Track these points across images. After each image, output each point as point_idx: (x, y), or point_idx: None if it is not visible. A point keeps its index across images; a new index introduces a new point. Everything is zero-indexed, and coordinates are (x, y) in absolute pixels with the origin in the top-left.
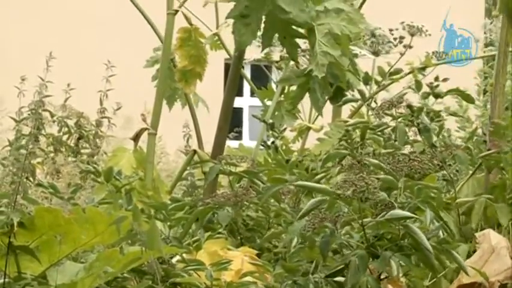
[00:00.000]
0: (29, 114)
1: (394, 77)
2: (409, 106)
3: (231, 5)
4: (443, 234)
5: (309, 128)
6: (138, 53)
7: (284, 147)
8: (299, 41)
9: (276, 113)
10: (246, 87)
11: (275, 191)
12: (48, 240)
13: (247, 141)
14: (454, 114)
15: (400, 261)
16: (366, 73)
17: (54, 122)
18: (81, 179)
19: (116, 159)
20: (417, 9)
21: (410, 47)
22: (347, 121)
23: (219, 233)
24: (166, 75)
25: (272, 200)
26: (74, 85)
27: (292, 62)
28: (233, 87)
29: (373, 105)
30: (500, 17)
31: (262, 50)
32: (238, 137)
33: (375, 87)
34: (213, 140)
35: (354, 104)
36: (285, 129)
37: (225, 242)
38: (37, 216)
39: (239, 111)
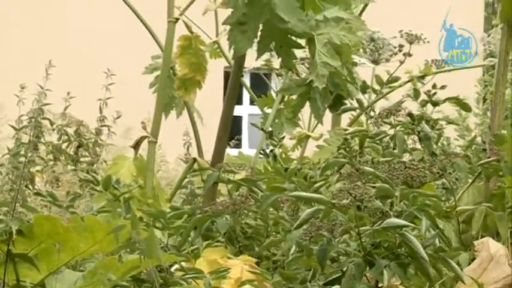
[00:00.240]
0: (28, 122)
1: (393, 85)
2: (410, 114)
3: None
4: (440, 242)
5: (308, 136)
6: (138, 61)
7: (283, 155)
8: (298, 49)
9: (276, 120)
10: (246, 96)
11: (274, 199)
12: (47, 248)
13: (247, 149)
14: (452, 122)
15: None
16: (364, 82)
17: (53, 130)
18: (80, 188)
19: (116, 167)
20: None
21: (409, 55)
22: (346, 129)
23: (218, 241)
24: (166, 83)
25: (271, 208)
26: (73, 93)
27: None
28: (233, 96)
29: (371, 113)
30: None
31: (257, 57)
32: (238, 145)
33: (374, 96)
34: (212, 148)
35: (353, 112)
36: (283, 137)
37: (225, 250)
38: (36, 224)
39: (238, 119)
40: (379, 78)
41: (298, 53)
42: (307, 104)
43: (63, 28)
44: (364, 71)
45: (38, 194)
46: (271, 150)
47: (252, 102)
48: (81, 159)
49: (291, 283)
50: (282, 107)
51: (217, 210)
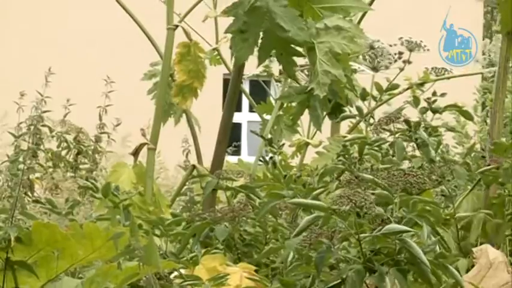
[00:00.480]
0: (27, 129)
1: (392, 92)
2: (407, 121)
3: (231, 20)
4: (440, 248)
5: (307, 144)
6: (138, 69)
7: (283, 162)
8: (304, 55)
9: (275, 127)
10: (245, 103)
11: (272, 206)
12: (46, 255)
13: (246, 156)
14: (452, 129)
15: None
16: (364, 89)
17: (53, 137)
18: (79, 195)
19: (116, 174)
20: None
21: (409, 62)
22: (345, 136)
23: (217, 248)
24: (166, 90)
25: (269, 215)
26: (73, 100)
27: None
28: (232, 103)
29: (371, 121)
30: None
31: (258, 65)
32: (237, 152)
33: (373, 103)
34: (212, 155)
35: (352, 119)
36: (283, 144)
37: (223, 257)
38: (35, 231)
39: (238, 126)
40: (379, 85)
41: (298, 60)
42: (307, 111)
43: (63, 35)
44: (364, 78)
45: (37, 201)
46: (271, 157)
47: (251, 109)
48: (81, 167)
49: None
50: (281, 113)
51: (216, 218)
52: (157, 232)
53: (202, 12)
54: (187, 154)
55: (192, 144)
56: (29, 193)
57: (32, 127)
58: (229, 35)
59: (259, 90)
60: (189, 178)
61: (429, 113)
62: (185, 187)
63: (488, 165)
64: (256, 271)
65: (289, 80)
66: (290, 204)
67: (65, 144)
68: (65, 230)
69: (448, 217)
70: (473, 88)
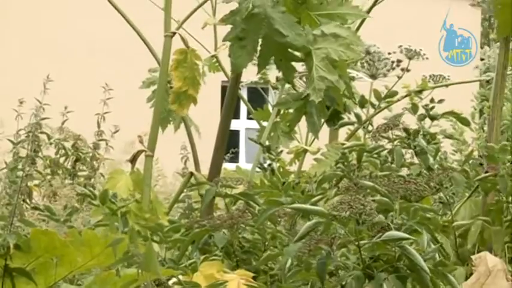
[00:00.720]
0: (26, 136)
1: (390, 99)
2: (405, 129)
3: (230, 26)
4: (439, 256)
5: (305, 151)
6: (137, 75)
7: (281, 169)
8: (296, 63)
9: (272, 134)
10: (243, 110)
11: (271, 213)
12: (45, 262)
13: (244, 163)
14: (450, 136)
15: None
16: (362, 96)
17: (51, 144)
18: (77, 202)
19: (113, 181)
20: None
21: (408, 70)
22: (344, 143)
23: (215, 255)
24: (164, 97)
25: (268, 222)
26: (71, 108)
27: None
28: (230, 109)
29: (369, 128)
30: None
31: (258, 72)
32: (235, 159)
33: (372, 110)
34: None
35: (350, 126)
36: (281, 151)
37: (221, 264)
38: (33, 238)
39: (236, 133)
40: (377, 92)
41: (296, 67)
42: (305, 118)
43: (61, 42)
44: (362, 85)
45: (35, 208)
46: (269, 164)
47: (249, 116)
48: (79, 174)
49: None
50: (278, 120)
51: (215, 225)
52: (155, 239)
53: (202, 19)
54: (185, 161)
55: (190, 152)
56: (28, 200)
57: (31, 134)
58: (228, 43)
59: (257, 97)
60: (186, 185)
61: (427, 120)
62: (183, 194)
63: (486, 172)
64: (255, 278)
65: (286, 86)
66: (289, 210)
67: (63, 151)
68: (63, 237)
69: (446, 224)
70: (471, 95)
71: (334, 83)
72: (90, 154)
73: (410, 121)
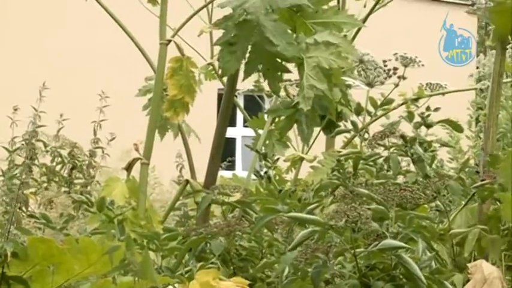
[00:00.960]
0: (22, 144)
1: (387, 107)
2: (403, 136)
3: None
4: (436, 264)
5: (302, 159)
6: (133, 83)
7: (277, 177)
8: (291, 71)
9: (267, 142)
10: (239, 118)
11: (268, 221)
12: (42, 270)
13: (240, 171)
14: (446, 144)
15: None
16: (358, 104)
17: (47, 152)
18: (74, 209)
19: (108, 189)
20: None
21: (404, 78)
22: (340, 151)
23: (212, 262)
24: (159, 105)
25: (265, 230)
26: (67, 115)
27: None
28: (225, 117)
29: (365, 135)
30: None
31: (244, 79)
32: (231, 167)
33: (368, 118)
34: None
35: (347, 134)
36: (277, 159)
37: (217, 272)
38: (30, 246)
39: (232, 141)
40: (373, 100)
41: (293, 75)
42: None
43: (57, 50)
44: (359, 92)
45: (31, 216)
46: (265, 172)
47: (245, 124)
48: (75, 181)
49: None
50: (273, 128)
51: (211, 232)
52: (152, 247)
53: (198, 26)
54: (181, 169)
55: (186, 159)
56: (24, 208)
57: (27, 142)
58: None
59: (253, 105)
60: (182, 193)
61: (423, 128)
62: (179, 202)
63: (483, 180)
64: (251, 286)
65: (282, 94)
66: (286, 218)
67: (60, 159)
68: (60, 244)
69: (442, 232)
70: (468, 103)
71: (324, 91)
72: (87, 162)
73: (406, 129)
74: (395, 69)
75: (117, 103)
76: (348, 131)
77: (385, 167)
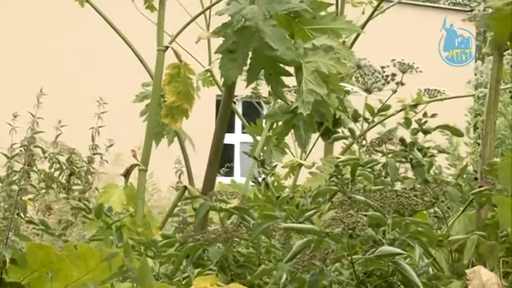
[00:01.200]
0: (20, 150)
1: (384, 113)
2: (402, 140)
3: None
4: (433, 270)
5: (300, 165)
6: (130, 90)
7: (276, 183)
8: (289, 78)
9: (265, 148)
10: (238, 124)
11: (265, 228)
12: (40, 276)
13: (239, 177)
14: (444, 151)
15: None
16: (355, 110)
17: (45, 158)
18: (72, 216)
19: (106, 195)
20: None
21: (402, 84)
22: (338, 158)
23: (210, 269)
24: (157, 111)
25: (263, 237)
26: (66, 122)
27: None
28: (223, 123)
29: (363, 142)
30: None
31: (247, 85)
32: (230, 173)
33: (366, 125)
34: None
35: (346, 141)
36: (275, 165)
37: (215, 278)
38: (29, 252)
39: (230, 147)
40: (370, 107)
41: (291, 81)
42: (293, 132)
43: (55, 56)
44: (357, 99)
45: (30, 222)
46: (264, 179)
47: (244, 130)
48: (73, 187)
49: None
50: (270, 134)
51: (209, 239)
52: (149, 253)
53: (196, 33)
54: (180, 175)
55: (184, 166)
56: (22, 214)
57: (25, 148)
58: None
59: (252, 111)
60: (180, 199)
61: (421, 135)
62: (177, 208)
63: (481, 186)
64: None
65: (278, 101)
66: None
67: (58, 165)
68: (58, 251)
69: (440, 238)
70: (466, 109)
71: (323, 96)
72: (85, 168)
73: (404, 136)
74: (393, 75)
75: (115, 109)
76: (346, 137)
77: (383, 173)
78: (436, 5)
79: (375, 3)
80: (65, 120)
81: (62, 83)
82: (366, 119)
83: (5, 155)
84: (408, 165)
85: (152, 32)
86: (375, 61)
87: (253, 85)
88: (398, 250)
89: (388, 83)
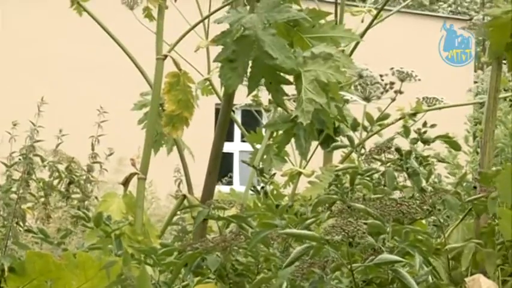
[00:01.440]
0: (19, 159)
1: (383, 122)
2: (398, 149)
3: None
4: (432, 279)
5: (300, 173)
6: (130, 98)
7: (275, 192)
8: (288, 86)
9: (265, 156)
10: (237, 133)
11: (264, 236)
12: (39, 285)
13: (238, 186)
14: (443, 160)
15: None
16: (354, 119)
17: (45, 167)
18: (71, 224)
19: (106, 204)
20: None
21: (400, 92)
22: (337, 166)
23: (209, 278)
24: (156, 120)
25: (261, 245)
26: (66, 130)
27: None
28: (222, 131)
29: (362, 151)
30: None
31: (248, 94)
32: (229, 181)
33: (365, 133)
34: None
35: (345, 149)
36: (274, 174)
37: (214, 286)
38: (28, 261)
39: (230, 156)
40: (370, 115)
41: (290, 89)
42: (294, 141)
43: (55, 65)
44: (356, 107)
45: (29, 230)
46: (263, 187)
47: (243, 139)
48: (73, 196)
49: None
50: (270, 142)
51: (208, 247)
52: (149, 262)
53: (195, 41)
54: (179, 184)
55: (184, 174)
56: (21, 223)
57: (25, 156)
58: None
59: (251, 120)
60: (179, 208)
61: (420, 144)
62: (176, 217)
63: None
64: None
65: (279, 109)
66: (282, 234)
67: (57, 173)
68: (57, 259)
69: (438, 247)
70: (465, 118)
71: (322, 105)
72: (84, 177)
73: (403, 145)
74: (391, 83)
75: (115, 118)
76: (345, 146)
77: (382, 181)
78: (435, 13)
79: (374, 12)
80: (65, 129)
81: (62, 92)
82: (365, 128)
83: (4, 163)
84: None
85: (151, 41)
86: (375, 67)
87: (253, 93)
88: (398, 258)
89: (387, 91)
